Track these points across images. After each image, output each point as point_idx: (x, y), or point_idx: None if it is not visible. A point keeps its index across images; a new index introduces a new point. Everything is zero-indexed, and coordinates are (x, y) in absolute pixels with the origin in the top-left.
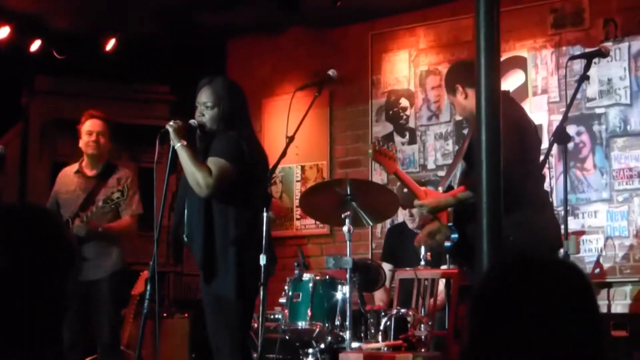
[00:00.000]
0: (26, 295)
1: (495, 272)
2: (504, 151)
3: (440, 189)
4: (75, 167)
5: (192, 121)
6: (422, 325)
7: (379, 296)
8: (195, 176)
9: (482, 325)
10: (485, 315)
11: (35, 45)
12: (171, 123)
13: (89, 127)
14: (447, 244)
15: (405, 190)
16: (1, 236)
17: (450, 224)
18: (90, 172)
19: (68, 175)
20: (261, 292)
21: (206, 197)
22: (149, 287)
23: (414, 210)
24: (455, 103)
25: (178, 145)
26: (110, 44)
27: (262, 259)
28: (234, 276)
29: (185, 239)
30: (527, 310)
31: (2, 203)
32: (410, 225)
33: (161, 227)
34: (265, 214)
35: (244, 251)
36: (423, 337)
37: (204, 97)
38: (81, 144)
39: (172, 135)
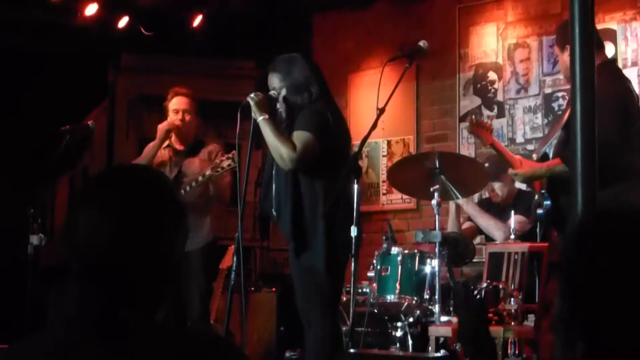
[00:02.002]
0: (138, 254)
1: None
2: (601, 121)
3: (534, 156)
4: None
5: (271, 92)
6: (512, 299)
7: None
8: (279, 150)
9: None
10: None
11: (123, 22)
12: (252, 96)
13: (176, 105)
14: (540, 211)
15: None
16: (111, 196)
17: (543, 191)
18: (179, 147)
19: (151, 147)
20: (352, 264)
21: (291, 171)
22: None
23: (496, 186)
24: (560, 60)
25: (260, 118)
26: (197, 20)
27: (353, 231)
28: (324, 249)
29: (274, 213)
30: (617, 261)
31: (89, 178)
32: (495, 200)
33: (245, 202)
34: (355, 186)
35: (333, 224)
36: (513, 310)
37: (271, 82)
38: (168, 120)
39: (253, 108)
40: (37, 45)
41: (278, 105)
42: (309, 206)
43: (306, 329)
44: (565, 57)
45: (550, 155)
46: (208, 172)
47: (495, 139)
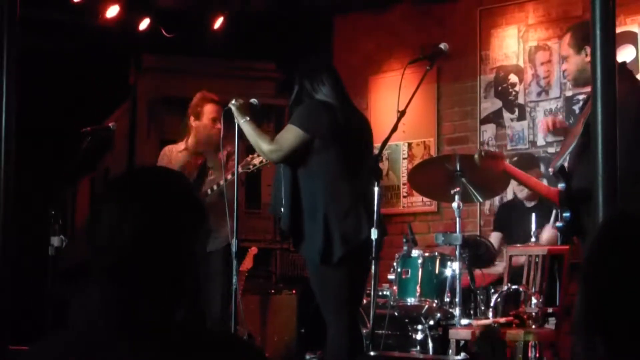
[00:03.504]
0: (157, 256)
1: (603, 229)
2: (622, 130)
3: (550, 170)
4: (180, 145)
5: (252, 100)
6: (533, 302)
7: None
8: (259, 146)
9: (595, 286)
10: (598, 276)
11: (144, 24)
12: (233, 102)
13: (214, 114)
14: (559, 224)
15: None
16: (133, 197)
17: (562, 205)
18: (202, 149)
19: (173, 152)
20: (372, 267)
21: (277, 163)
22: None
23: None
24: (571, 61)
25: (242, 121)
26: (218, 22)
27: (374, 233)
28: (320, 241)
29: (282, 211)
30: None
31: (111, 178)
32: (520, 195)
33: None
34: (376, 188)
35: (330, 217)
36: (534, 313)
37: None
38: (199, 126)
39: (235, 112)
40: (59, 47)
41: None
42: (307, 202)
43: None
44: (582, 58)
45: (566, 165)
46: (240, 170)
47: (507, 164)
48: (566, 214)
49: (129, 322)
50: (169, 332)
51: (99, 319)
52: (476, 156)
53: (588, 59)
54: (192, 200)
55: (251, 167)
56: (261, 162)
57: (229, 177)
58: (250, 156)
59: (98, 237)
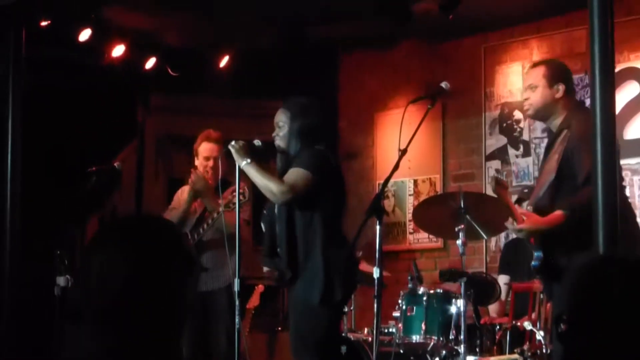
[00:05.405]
0: (146, 303)
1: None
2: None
3: (529, 207)
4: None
5: (255, 141)
6: (538, 339)
7: (494, 309)
8: (268, 186)
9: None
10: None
11: (150, 63)
12: (232, 144)
13: (206, 153)
14: (534, 262)
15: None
16: (123, 245)
17: (536, 244)
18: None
19: (183, 194)
20: (375, 305)
21: (283, 204)
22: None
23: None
24: (539, 92)
25: (243, 164)
26: (224, 61)
27: (376, 272)
28: (320, 282)
29: (280, 251)
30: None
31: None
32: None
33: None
34: (377, 227)
35: (330, 259)
36: (538, 351)
37: (277, 117)
38: (197, 164)
39: (235, 155)
40: (65, 86)
41: (277, 141)
42: (305, 240)
43: None
44: (552, 93)
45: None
46: (220, 209)
47: (508, 198)
48: (538, 253)
49: None
50: None
51: None
52: (492, 184)
53: (558, 95)
54: (180, 248)
55: (231, 205)
56: (241, 200)
57: (221, 209)
58: (233, 194)
59: (88, 282)
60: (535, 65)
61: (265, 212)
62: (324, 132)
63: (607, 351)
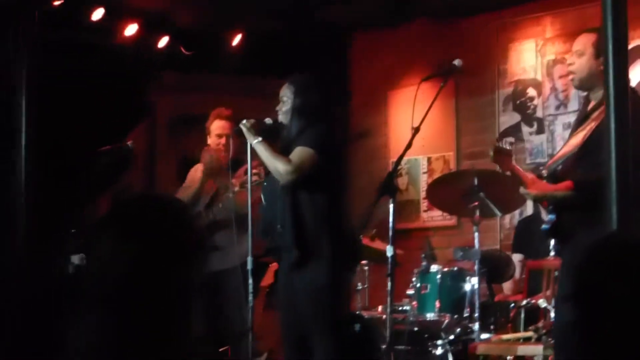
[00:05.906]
0: (153, 284)
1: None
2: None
3: (544, 172)
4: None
5: (267, 120)
6: (552, 316)
7: (508, 286)
8: (275, 165)
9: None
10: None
11: (163, 42)
12: (244, 122)
13: (219, 130)
14: (545, 226)
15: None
16: (130, 225)
17: (550, 207)
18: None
19: (197, 173)
20: (389, 283)
21: (289, 184)
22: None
23: None
24: (586, 61)
25: (254, 142)
26: (237, 39)
27: (389, 250)
28: (328, 261)
29: (280, 228)
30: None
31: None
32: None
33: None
34: (391, 205)
35: (335, 237)
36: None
37: (282, 92)
38: (210, 142)
39: (246, 133)
40: (77, 66)
41: (280, 115)
42: (311, 219)
43: (299, 344)
44: (593, 63)
45: (559, 172)
46: (236, 189)
47: (515, 165)
48: (551, 216)
49: (126, 351)
50: None
51: (95, 347)
52: (491, 152)
53: (602, 68)
54: (188, 229)
55: (245, 185)
56: (255, 180)
57: (236, 189)
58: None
59: (93, 266)
60: (587, 31)
61: (265, 183)
62: (326, 110)
63: (610, 334)
